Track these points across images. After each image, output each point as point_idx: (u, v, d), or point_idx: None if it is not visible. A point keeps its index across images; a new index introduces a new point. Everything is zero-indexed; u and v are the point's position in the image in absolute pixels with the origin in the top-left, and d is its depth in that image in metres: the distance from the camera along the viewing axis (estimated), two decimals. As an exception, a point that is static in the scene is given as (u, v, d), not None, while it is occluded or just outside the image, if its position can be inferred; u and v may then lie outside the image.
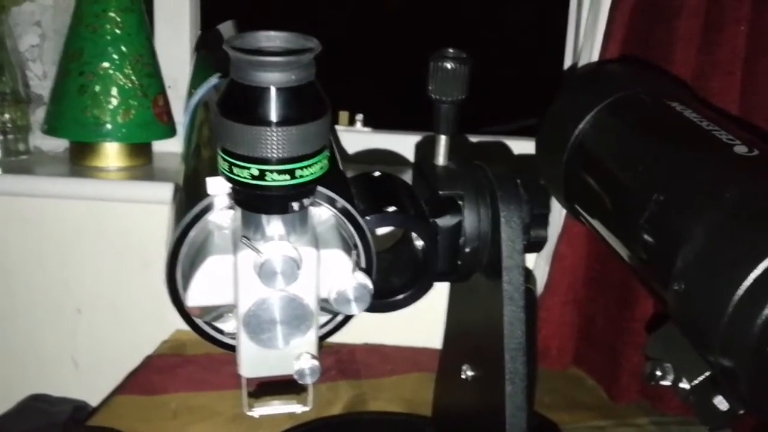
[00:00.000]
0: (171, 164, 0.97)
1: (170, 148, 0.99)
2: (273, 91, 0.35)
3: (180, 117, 0.99)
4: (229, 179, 0.37)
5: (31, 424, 0.87)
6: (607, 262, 0.76)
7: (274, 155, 0.35)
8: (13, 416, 0.89)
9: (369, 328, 0.91)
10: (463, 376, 0.53)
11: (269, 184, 0.36)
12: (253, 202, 0.38)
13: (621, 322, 0.77)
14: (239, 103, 0.36)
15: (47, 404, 0.92)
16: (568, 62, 0.97)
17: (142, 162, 0.95)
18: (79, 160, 0.94)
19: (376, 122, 1.03)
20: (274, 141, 0.35)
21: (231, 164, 0.37)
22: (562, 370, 0.81)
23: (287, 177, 0.36)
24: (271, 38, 0.37)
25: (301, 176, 0.37)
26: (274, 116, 0.35)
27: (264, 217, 0.38)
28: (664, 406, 0.74)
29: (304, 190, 0.38)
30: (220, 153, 0.37)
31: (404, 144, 0.97)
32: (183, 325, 0.96)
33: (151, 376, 0.81)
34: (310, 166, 0.37)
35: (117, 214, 0.93)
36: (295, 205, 0.38)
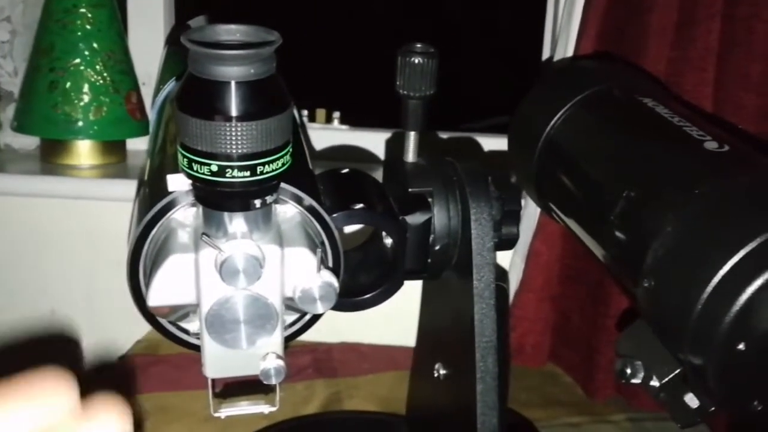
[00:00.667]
0: (143, 162, 0.96)
1: (144, 145, 0.97)
2: (232, 85, 0.34)
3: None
4: (189, 176, 0.36)
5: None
6: (583, 259, 0.75)
7: (235, 151, 0.35)
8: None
9: (346, 327, 0.90)
10: (435, 375, 0.53)
11: (230, 181, 0.35)
12: (214, 199, 0.37)
13: (596, 318, 0.76)
14: (197, 98, 0.35)
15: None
16: (545, 59, 0.96)
17: (115, 160, 0.94)
18: (50, 157, 0.92)
19: (354, 120, 1.02)
20: (234, 137, 0.34)
21: (190, 160, 0.36)
22: (538, 367, 0.81)
23: (248, 173, 0.35)
24: (231, 32, 0.36)
25: (263, 172, 0.36)
26: (233, 111, 0.34)
27: (226, 215, 0.38)
28: (640, 402, 0.74)
29: (266, 187, 0.37)
30: (180, 149, 0.36)
31: (382, 142, 0.97)
32: (157, 325, 0.95)
33: (124, 375, 0.80)
34: (271, 162, 0.36)
35: (90, 213, 0.91)
36: (257, 202, 0.37)
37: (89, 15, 0.89)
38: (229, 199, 0.37)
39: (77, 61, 0.88)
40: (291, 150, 0.38)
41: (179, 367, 0.82)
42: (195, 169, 0.36)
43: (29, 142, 0.97)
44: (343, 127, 1.02)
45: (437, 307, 0.55)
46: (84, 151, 0.91)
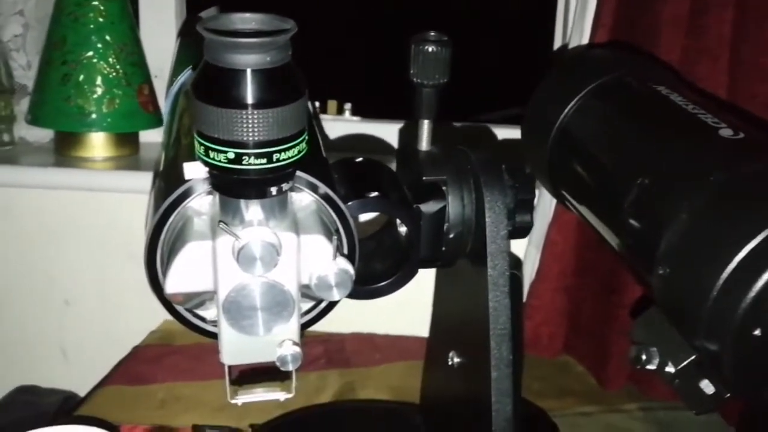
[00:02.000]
0: (158, 154, 0.96)
1: (157, 138, 0.98)
2: (248, 73, 0.34)
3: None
4: (206, 163, 0.37)
5: (21, 415, 0.87)
6: (597, 249, 0.75)
7: (251, 138, 0.35)
8: (1, 407, 0.89)
9: (358, 318, 0.90)
10: (449, 363, 0.53)
11: (246, 168, 0.36)
12: (231, 186, 0.37)
13: (609, 308, 0.76)
14: (214, 86, 0.35)
15: (36, 395, 0.91)
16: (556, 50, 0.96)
17: (128, 152, 0.94)
18: (64, 150, 0.93)
19: (365, 111, 1.02)
20: (250, 124, 0.35)
21: (207, 148, 0.36)
22: (553, 357, 0.81)
23: (264, 161, 0.36)
24: (246, 20, 0.37)
25: (279, 160, 0.36)
26: (250, 99, 0.34)
27: (242, 202, 0.38)
28: (653, 391, 0.74)
29: (282, 174, 0.37)
30: (196, 136, 0.37)
31: (393, 133, 0.97)
32: (171, 316, 0.96)
33: (139, 366, 0.81)
34: (287, 149, 0.36)
35: (104, 205, 0.92)
36: (273, 190, 0.37)
37: (101, 8, 0.89)
38: (245, 187, 0.37)
39: (90, 53, 0.89)
40: (307, 138, 0.38)
41: (193, 358, 0.83)
42: (212, 156, 0.36)
43: (43, 135, 0.97)
44: (355, 118, 1.02)
45: (451, 295, 0.55)
46: (97, 144, 0.92)
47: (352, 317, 0.90)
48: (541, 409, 0.70)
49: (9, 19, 0.96)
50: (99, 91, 0.89)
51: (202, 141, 0.36)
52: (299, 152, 0.37)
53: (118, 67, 0.90)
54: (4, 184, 0.91)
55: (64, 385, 0.95)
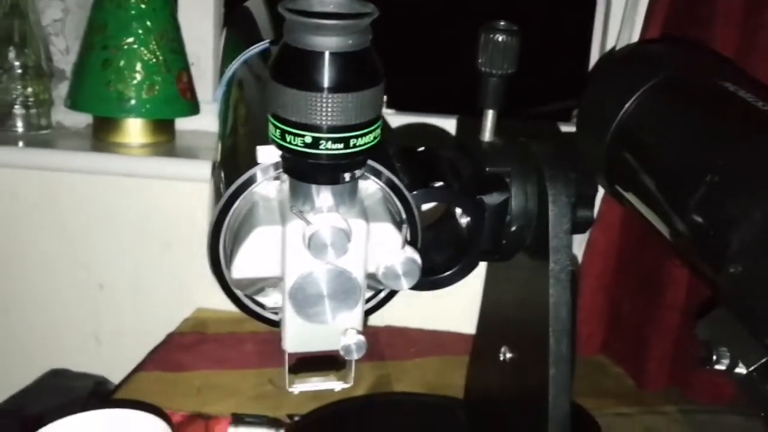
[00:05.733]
0: (194, 142, 0.96)
1: (193, 125, 0.98)
2: (331, 56, 0.34)
3: (203, 94, 0.97)
4: (281, 147, 0.36)
5: (52, 398, 0.87)
6: (639, 248, 0.74)
7: (330, 122, 0.34)
8: (34, 390, 0.89)
9: (391, 311, 0.90)
10: (501, 358, 0.52)
11: (323, 153, 0.35)
12: (305, 170, 0.37)
13: (648, 308, 0.76)
14: (293, 68, 0.34)
15: (67, 379, 0.92)
16: (595, 46, 0.95)
17: (164, 139, 0.94)
18: (101, 135, 0.93)
19: (401, 104, 1.01)
20: (330, 108, 0.34)
21: (283, 131, 0.35)
22: (590, 356, 0.81)
23: (341, 146, 0.35)
24: (325, 3, 0.36)
25: (355, 145, 0.36)
26: (330, 82, 0.34)
27: (314, 188, 0.37)
28: (695, 393, 0.73)
29: (357, 160, 0.37)
30: (272, 120, 0.36)
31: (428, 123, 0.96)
32: (204, 303, 0.96)
33: (174, 353, 0.81)
34: (364, 135, 0.36)
35: (139, 191, 0.92)
36: (347, 176, 0.37)
37: (143, -7, 0.89)
38: (320, 172, 0.36)
39: (131, 39, 0.89)
40: (381, 124, 0.37)
41: (228, 346, 0.83)
42: (288, 140, 0.35)
43: (80, 120, 0.98)
44: (390, 111, 1.02)
45: (504, 289, 0.54)
46: (135, 130, 0.92)
47: (384, 310, 0.90)
48: (583, 408, 0.69)
49: (49, 4, 0.96)
50: (138, 77, 0.89)
51: (279, 124, 0.35)
52: (375, 138, 0.37)
53: (158, 53, 0.90)
54: (42, 167, 0.91)
55: (95, 370, 0.95)
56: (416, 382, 0.78)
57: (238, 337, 0.85)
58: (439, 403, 0.67)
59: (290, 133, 0.35)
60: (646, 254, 0.75)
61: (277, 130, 0.36)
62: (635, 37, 0.68)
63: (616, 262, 0.76)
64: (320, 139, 0.35)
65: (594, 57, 0.96)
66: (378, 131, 0.37)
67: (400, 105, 1.01)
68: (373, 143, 0.37)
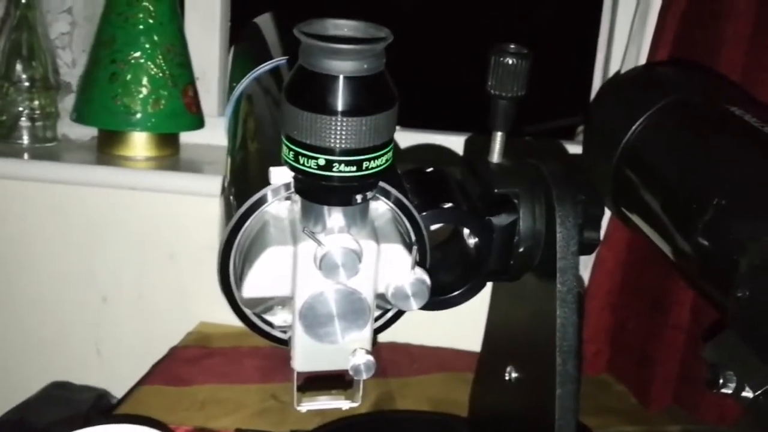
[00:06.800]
0: (198, 156, 0.96)
1: (197, 139, 0.98)
2: (346, 79, 0.34)
3: (208, 109, 0.98)
4: (294, 169, 0.36)
5: (54, 411, 0.87)
6: (645, 268, 0.75)
7: (343, 146, 0.35)
8: (35, 403, 0.89)
9: (392, 327, 0.90)
10: (507, 378, 0.53)
11: (336, 175, 0.35)
12: (318, 192, 0.37)
13: (654, 328, 0.76)
14: (308, 91, 0.35)
15: (69, 392, 0.91)
16: (599, 65, 0.96)
17: (169, 153, 0.95)
18: (106, 148, 0.93)
19: (408, 121, 1.02)
20: (344, 131, 0.34)
21: (297, 153, 0.36)
22: (595, 375, 0.81)
23: (354, 168, 0.36)
24: (339, 26, 0.37)
25: (368, 168, 0.36)
26: (345, 105, 0.34)
27: (325, 209, 0.38)
28: (701, 413, 0.73)
29: (369, 183, 0.37)
30: (285, 141, 0.36)
31: (431, 142, 0.97)
32: (208, 317, 0.96)
33: (178, 367, 0.81)
34: (377, 158, 0.36)
35: (143, 204, 0.92)
36: (359, 198, 0.37)
37: (151, 8, 0.90)
38: (332, 193, 0.37)
39: (138, 53, 0.89)
40: (393, 147, 0.38)
41: (232, 361, 0.83)
42: (302, 162, 0.36)
43: (85, 133, 0.98)
44: (397, 127, 1.02)
45: (510, 309, 0.55)
46: (140, 143, 0.92)
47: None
48: (587, 428, 0.69)
49: (57, 17, 0.97)
50: (145, 91, 0.90)
51: (292, 146, 0.36)
52: (387, 161, 0.37)
53: (164, 67, 0.90)
54: (47, 180, 0.91)
55: (97, 383, 0.95)
56: (419, 398, 0.78)
57: (242, 351, 0.85)
58: (443, 420, 0.67)
59: (303, 155, 0.36)
60: (652, 274, 0.75)
61: (291, 152, 0.36)
62: (642, 59, 0.68)
63: (622, 282, 0.76)
64: (333, 161, 0.35)
65: (597, 75, 0.96)
66: (390, 154, 0.37)
67: (408, 122, 1.01)
68: (385, 165, 0.37)
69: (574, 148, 0.90)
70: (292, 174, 0.37)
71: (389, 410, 0.72)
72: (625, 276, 0.75)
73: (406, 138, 0.98)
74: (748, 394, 0.40)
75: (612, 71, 0.88)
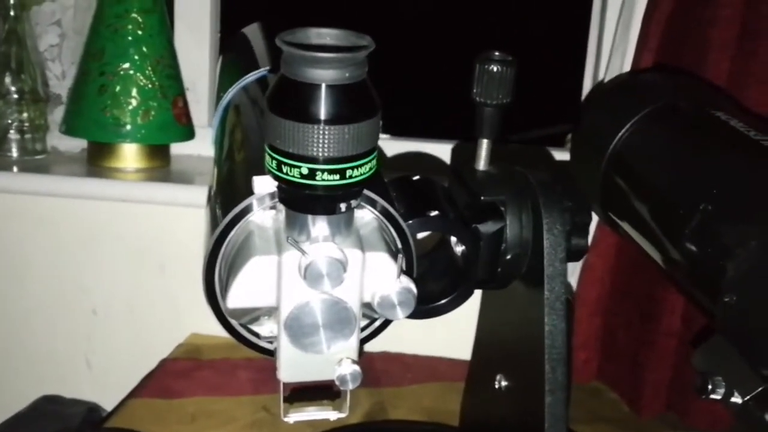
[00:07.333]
0: (189, 167, 0.96)
1: (188, 150, 0.98)
2: (327, 88, 0.34)
3: (198, 120, 0.98)
4: (277, 178, 0.36)
5: (44, 424, 0.86)
6: (635, 274, 0.75)
7: (326, 154, 0.35)
8: (25, 416, 0.88)
9: (384, 337, 0.89)
10: (496, 386, 0.52)
11: (319, 184, 0.35)
12: (301, 201, 0.37)
13: (644, 334, 0.76)
14: (290, 100, 0.35)
15: (60, 405, 0.91)
16: (588, 72, 0.96)
17: (159, 164, 0.94)
18: (96, 160, 0.93)
19: (396, 129, 1.02)
20: (327, 140, 0.34)
21: (280, 162, 0.36)
22: (585, 383, 0.80)
23: (337, 177, 0.35)
24: (322, 35, 0.36)
25: (351, 176, 0.36)
26: (327, 114, 0.34)
27: (309, 218, 0.37)
28: (692, 419, 0.73)
29: (353, 191, 0.37)
30: (268, 150, 0.36)
31: (421, 151, 0.97)
32: (198, 329, 0.96)
33: (168, 379, 0.80)
34: (360, 166, 0.36)
35: (134, 216, 0.92)
36: (343, 206, 0.37)
37: (140, 20, 0.90)
38: (316, 202, 0.36)
39: (127, 65, 0.89)
40: (377, 155, 0.37)
41: (222, 373, 0.82)
42: (284, 171, 0.35)
43: (75, 145, 0.98)
44: (385, 136, 1.02)
45: (499, 317, 0.54)
46: (130, 155, 0.92)
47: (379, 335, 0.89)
48: (579, 435, 0.69)
49: (46, 29, 0.97)
50: (134, 102, 0.90)
51: (275, 155, 0.36)
52: (371, 169, 0.37)
53: (154, 79, 0.90)
54: (37, 192, 0.91)
55: (87, 396, 0.95)
56: (412, 408, 0.77)
57: (233, 363, 0.84)
58: (434, 430, 0.67)
59: (286, 165, 0.35)
60: (642, 280, 0.75)
61: (274, 161, 0.36)
62: (627, 66, 0.68)
63: (611, 289, 0.76)
64: (316, 170, 0.35)
65: (587, 83, 0.97)
66: (374, 162, 0.37)
67: (394, 130, 1.01)
68: (369, 174, 0.37)
69: (564, 156, 0.90)
70: (276, 183, 0.37)
71: (382, 420, 0.72)
72: (614, 282, 0.75)
73: (392, 146, 0.98)
74: (737, 399, 0.40)
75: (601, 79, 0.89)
